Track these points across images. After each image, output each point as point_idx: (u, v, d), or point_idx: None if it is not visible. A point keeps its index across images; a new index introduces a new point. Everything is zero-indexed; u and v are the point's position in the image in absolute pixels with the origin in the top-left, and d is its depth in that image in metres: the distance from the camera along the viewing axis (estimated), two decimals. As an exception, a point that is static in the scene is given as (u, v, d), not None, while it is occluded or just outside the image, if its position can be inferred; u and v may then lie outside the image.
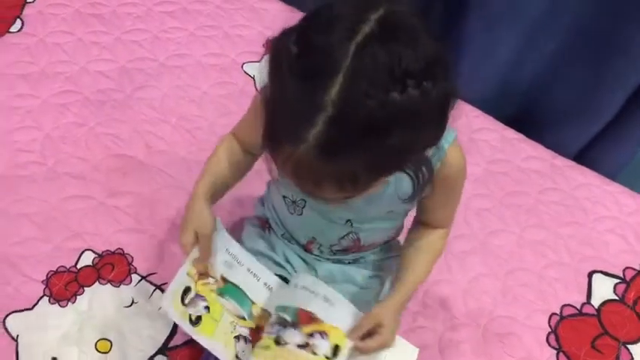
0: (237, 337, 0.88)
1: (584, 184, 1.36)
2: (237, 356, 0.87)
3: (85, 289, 1.06)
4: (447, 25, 1.47)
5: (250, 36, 1.51)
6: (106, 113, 1.31)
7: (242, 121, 0.90)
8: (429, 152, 0.71)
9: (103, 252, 1.10)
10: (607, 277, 1.21)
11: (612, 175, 1.40)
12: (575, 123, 1.43)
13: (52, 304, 1.04)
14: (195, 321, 0.87)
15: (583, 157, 1.44)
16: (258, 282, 0.92)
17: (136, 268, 1.10)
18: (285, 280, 0.93)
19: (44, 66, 1.37)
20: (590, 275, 1.21)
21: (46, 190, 1.17)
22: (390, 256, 0.98)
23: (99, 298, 1.05)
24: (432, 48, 0.59)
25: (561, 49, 1.38)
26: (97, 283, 1.07)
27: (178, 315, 0.85)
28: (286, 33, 0.61)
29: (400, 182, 0.76)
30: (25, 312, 1.02)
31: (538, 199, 1.32)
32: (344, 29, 0.57)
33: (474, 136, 1.41)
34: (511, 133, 1.44)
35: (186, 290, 0.86)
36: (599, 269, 1.22)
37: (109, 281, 1.07)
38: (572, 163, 1.40)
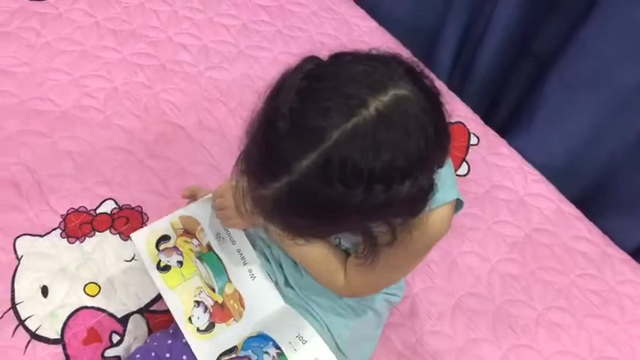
0: (198, 303, 0.89)
1: (632, 282, 1.24)
2: (190, 319, 0.88)
3: (97, 233, 1.11)
4: (528, 83, 1.41)
5: (333, 46, 1.50)
6: (174, 83, 1.37)
7: None
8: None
9: (123, 205, 1.15)
10: (622, 386, 1.09)
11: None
12: (641, 216, 1.31)
13: (63, 237, 1.09)
14: (163, 268, 0.90)
15: (641, 255, 1.31)
16: (244, 266, 0.93)
17: (147, 228, 1.13)
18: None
19: (136, 27, 1.46)
20: (603, 378, 1.10)
21: (95, 135, 1.24)
22: None
23: (105, 245, 1.09)
24: (420, 149, 0.59)
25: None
26: (108, 231, 1.11)
27: (146, 252, 0.88)
28: (293, 77, 0.62)
29: None
30: (36, 237, 1.08)
31: (574, 282, 1.22)
32: (342, 110, 0.58)
33: (526, 200, 1.33)
34: (569, 208, 1.34)
35: (165, 237, 0.89)
36: (616, 374, 1.11)
37: (120, 233, 1.12)
38: (626, 257, 1.28)
